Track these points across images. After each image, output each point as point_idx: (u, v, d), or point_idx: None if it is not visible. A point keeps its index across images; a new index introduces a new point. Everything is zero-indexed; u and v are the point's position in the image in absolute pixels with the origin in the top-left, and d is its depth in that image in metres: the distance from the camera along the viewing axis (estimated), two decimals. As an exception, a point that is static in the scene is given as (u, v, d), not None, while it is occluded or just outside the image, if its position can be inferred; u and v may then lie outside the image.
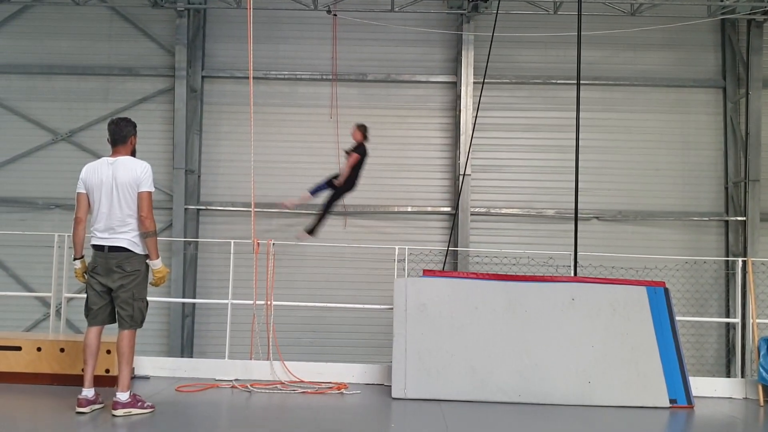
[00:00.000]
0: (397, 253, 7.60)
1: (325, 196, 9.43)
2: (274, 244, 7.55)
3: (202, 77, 12.81)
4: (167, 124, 12.68)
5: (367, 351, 10.12)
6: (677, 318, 7.54)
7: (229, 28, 12.68)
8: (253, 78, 12.08)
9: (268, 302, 7.25)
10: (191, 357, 11.72)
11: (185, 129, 12.37)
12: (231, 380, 6.85)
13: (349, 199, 12.33)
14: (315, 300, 9.80)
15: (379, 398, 6.61)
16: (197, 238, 12.45)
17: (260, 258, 7.45)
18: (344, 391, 6.68)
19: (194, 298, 12.25)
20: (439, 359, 6.75)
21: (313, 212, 9.75)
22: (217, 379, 6.91)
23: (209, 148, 12.82)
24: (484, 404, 6.49)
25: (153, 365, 7.11)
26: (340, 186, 9.28)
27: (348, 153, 9.43)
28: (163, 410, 5.68)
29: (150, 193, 5.46)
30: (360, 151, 9.35)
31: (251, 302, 7.43)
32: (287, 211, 12.07)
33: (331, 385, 6.81)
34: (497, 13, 9.61)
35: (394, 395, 6.56)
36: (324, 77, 12.75)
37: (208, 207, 12.63)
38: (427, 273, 7.48)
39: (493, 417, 6.15)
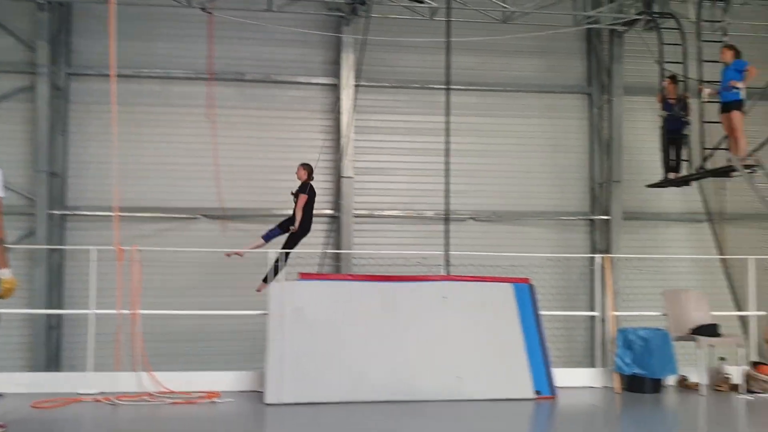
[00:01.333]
0: (271, 257, 7.50)
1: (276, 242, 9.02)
2: (140, 250, 7.25)
3: (67, 74, 12.08)
4: (28, 124, 11.84)
5: (247, 358, 9.89)
6: (545, 313, 7.94)
7: (97, 23, 12.00)
8: (124, 76, 11.64)
9: (134, 311, 6.94)
10: (59, 371, 11.04)
11: (48, 129, 11.60)
12: (95, 393, 6.52)
13: (229, 201, 12.20)
14: (191, 308, 9.49)
15: (253, 405, 6.51)
16: (63, 245, 11.75)
17: (127, 265, 7.13)
18: (216, 400, 6.52)
19: (61, 308, 11.55)
20: (315, 362, 6.73)
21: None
22: (79, 393, 6.56)
23: (76, 149, 12.11)
24: (359, 404, 6.54)
25: (8, 381, 6.66)
26: (296, 232, 8.96)
27: (295, 195, 9.18)
28: (17, 429, 5.31)
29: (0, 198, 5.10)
30: (307, 191, 9.17)
31: (115, 311, 7.09)
32: (161, 215, 11.68)
33: (202, 395, 6.62)
34: (369, 16, 9.69)
35: (268, 401, 6.48)
36: (199, 76, 12.37)
37: (75, 212, 11.94)
38: (304, 276, 7.46)
39: (367, 416, 6.21)
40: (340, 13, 12.36)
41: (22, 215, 11.55)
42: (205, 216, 12.20)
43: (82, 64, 12.14)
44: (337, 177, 12.53)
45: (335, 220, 12.54)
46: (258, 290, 8.63)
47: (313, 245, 11.95)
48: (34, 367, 11.10)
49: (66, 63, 12.06)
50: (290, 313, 6.89)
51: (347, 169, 12.39)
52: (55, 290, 11.65)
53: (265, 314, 6.99)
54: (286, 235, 9.02)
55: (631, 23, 12.43)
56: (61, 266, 11.84)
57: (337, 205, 12.50)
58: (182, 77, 12.39)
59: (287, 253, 8.67)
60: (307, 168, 9.37)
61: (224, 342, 11.07)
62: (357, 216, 12.57)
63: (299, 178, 9.36)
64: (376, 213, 12.78)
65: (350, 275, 8.38)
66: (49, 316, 11.35)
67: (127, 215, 10.66)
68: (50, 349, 11.51)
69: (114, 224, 11.41)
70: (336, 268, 12.00)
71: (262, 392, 6.67)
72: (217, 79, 12.37)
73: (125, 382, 6.74)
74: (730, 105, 9.81)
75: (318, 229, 12.58)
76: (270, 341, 6.77)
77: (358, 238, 12.51)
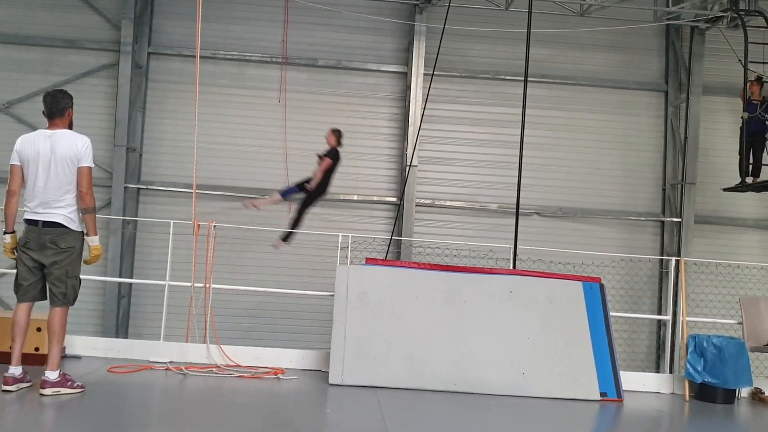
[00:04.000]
0: (340, 240, 7.58)
1: (296, 199, 9.32)
2: (215, 226, 7.43)
3: (149, 54, 12.48)
4: (110, 99, 12.32)
5: (308, 338, 10.06)
6: (615, 314, 7.78)
7: (178, 4, 12.37)
8: (201, 57, 11.79)
9: (207, 285, 7.13)
10: (126, 338, 11.46)
11: (128, 106, 12.04)
12: (166, 362, 6.73)
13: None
14: (257, 285, 9.68)
15: (316, 384, 6.59)
16: (137, 217, 12.15)
17: (201, 240, 7.33)
18: (281, 376, 6.63)
19: (131, 278, 11.97)
20: (377, 347, 6.77)
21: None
22: (151, 360, 6.77)
23: (152, 126, 12.51)
24: (420, 392, 6.55)
25: (85, 345, 6.92)
26: (312, 191, 9.10)
27: (321, 157, 9.28)
28: (94, 391, 5.53)
29: (90, 168, 5.29)
30: (333, 155, 9.21)
31: (189, 284, 7.30)
32: (230, 194, 11.93)
33: (267, 370, 6.76)
34: (449, 5, 9.64)
35: (331, 381, 6.56)
36: (274, 60, 12.58)
37: (149, 186, 12.34)
38: (370, 261, 7.50)
39: (429, 405, 6.22)
40: (414, 1, 12.34)
41: (101, 187, 12.00)
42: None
43: (162, 43, 12.50)
44: (402, 165, 12.56)
45: (398, 207, 12.58)
46: (275, 247, 9.11)
47: (375, 232, 12.07)
48: (104, 333, 11.56)
49: (148, 42, 12.43)
50: (355, 297, 6.94)
51: (412, 158, 12.39)
52: (126, 260, 12.08)
53: (331, 296, 7.06)
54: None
55: (714, 20, 12.04)
56: (134, 237, 12.26)
57: (400, 193, 12.53)
58: (257, 60, 12.63)
59: (302, 212, 9.04)
60: (337, 133, 9.38)
61: (290, 321, 11.30)
62: (419, 205, 12.57)
63: (328, 143, 9.36)
64: (438, 203, 12.76)
65: (415, 263, 8.37)
66: (120, 285, 11.77)
67: (198, 192, 10.93)
68: (119, 316, 11.95)
69: (186, 200, 11.86)
70: (397, 256, 12.05)
71: (325, 372, 6.75)
72: (291, 63, 12.57)
73: (195, 353, 6.92)
74: None
75: (382, 216, 12.69)
76: (335, 323, 6.84)
77: (419, 227, 12.53)
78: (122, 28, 12.06)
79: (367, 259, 7.49)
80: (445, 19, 9.38)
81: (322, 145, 12.59)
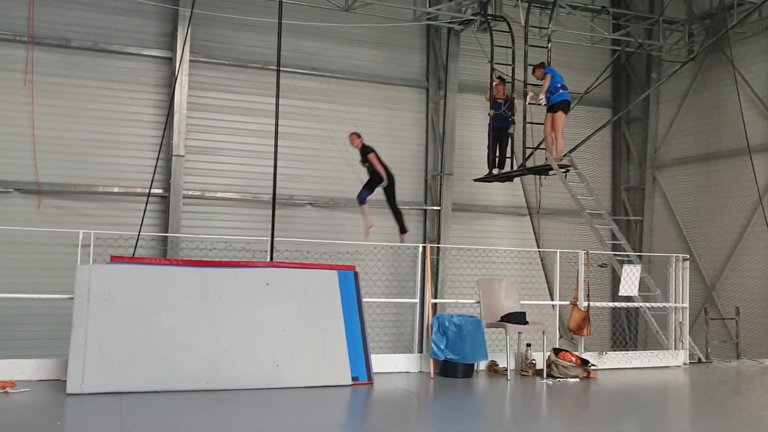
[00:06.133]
0: (81, 237, 7.04)
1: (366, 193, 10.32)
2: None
3: None
4: None
5: (52, 344, 9.24)
6: (371, 300, 8.10)
7: None
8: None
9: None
10: None
11: None
12: None
13: (46, 176, 11.32)
14: (-2, 289, 8.72)
15: (52, 395, 6.10)
16: None
17: None
18: (9, 390, 6.04)
19: None
20: (123, 350, 6.42)
21: None
22: None
23: None
24: (170, 394, 6.32)
25: None
26: (386, 183, 10.14)
27: (364, 160, 10.25)
28: None
29: None
30: (370, 149, 10.21)
31: None
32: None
33: (-6, 384, 6.11)
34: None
35: (69, 391, 6.10)
36: (18, 38, 11.36)
37: None
38: (115, 260, 7.05)
39: (177, 406, 6.03)
40: (177, -16, 11.84)
41: None
42: (18, 191, 11.26)
43: None
44: (168, 155, 12.02)
45: (164, 200, 12.04)
46: (402, 241, 10.57)
47: (131, 226, 11.43)
48: None
49: None
50: (98, 298, 6.51)
51: (179, 147, 11.92)
52: None
53: (70, 298, 6.55)
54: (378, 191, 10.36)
55: (467, 23, 12.94)
56: None
57: (166, 184, 12.00)
58: (-2, 38, 11.32)
59: (394, 200, 10.34)
60: (356, 134, 10.45)
61: (28, 327, 10.29)
62: (187, 197, 12.14)
63: (356, 146, 10.38)
64: (208, 194, 12.43)
65: (165, 260, 8.07)
66: None
67: None
68: None
69: None
70: (163, 252, 11.54)
71: (64, 381, 6.26)
72: (38, 43, 11.47)
73: None
74: (557, 106, 10.53)
75: (140, 209, 12.03)
76: (74, 327, 6.36)
77: (188, 220, 12.11)
78: None
79: (112, 257, 7.04)
80: (193, 4, 9.02)
81: (77, 133, 11.77)
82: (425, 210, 13.78)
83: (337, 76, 13.34)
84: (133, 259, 7.25)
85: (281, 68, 12.47)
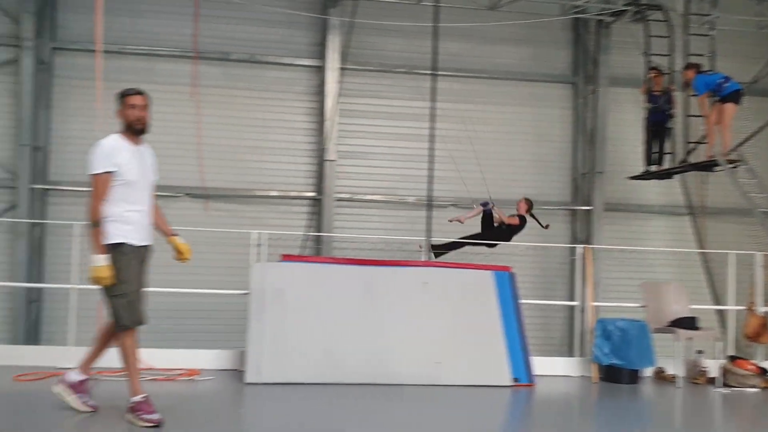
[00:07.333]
0: (255, 237, 7.50)
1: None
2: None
3: (52, 49, 11.95)
4: (13, 97, 11.73)
5: (226, 337, 9.89)
6: (525, 301, 8.01)
7: (82, -3, 11.90)
8: (109, 52, 11.48)
9: (116, 287, 6.91)
10: (38, 344, 11.01)
11: (32, 103, 11.52)
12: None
13: (211, 181, 12.14)
14: (173, 285, 9.45)
15: (232, 384, 6.53)
16: (44, 219, 11.65)
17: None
18: (196, 378, 6.54)
19: (41, 282, 11.49)
20: (294, 343, 6.77)
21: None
22: (60, 367, 6.53)
23: (59, 124, 12.00)
24: (338, 386, 6.58)
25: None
26: (498, 228, 9.97)
27: (511, 218, 10.04)
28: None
29: (92, 176, 4.85)
30: (521, 220, 10.05)
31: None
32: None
33: (182, 372, 6.64)
34: (360, -1, 9.61)
35: (247, 380, 6.51)
36: (184, 54, 12.28)
37: (57, 187, 11.84)
38: (286, 258, 7.47)
39: (346, 398, 6.26)
40: (327, -5, 12.30)
41: (5, 189, 11.50)
42: (188, 195, 12.15)
43: (67, 38, 12.01)
44: (320, 160, 12.52)
45: (317, 203, 12.54)
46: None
47: (295, 227, 11.99)
48: (13, 340, 11.07)
49: (51, 37, 11.93)
50: (272, 294, 6.91)
51: (330, 153, 12.37)
52: (35, 264, 11.62)
53: (246, 294, 7.00)
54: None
55: (618, 14, 12.47)
56: (42, 240, 11.79)
57: (318, 188, 12.50)
58: (167, 55, 12.31)
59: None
60: (528, 203, 10.30)
61: (207, 321, 11.09)
62: (338, 200, 12.58)
63: (519, 210, 10.22)
64: (358, 197, 12.80)
65: (331, 258, 8.41)
66: (29, 289, 11.33)
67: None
68: (30, 322, 11.47)
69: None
70: (317, 251, 12.03)
71: (242, 371, 6.69)
72: (202, 57, 12.29)
73: (105, 357, 6.70)
74: (728, 97, 9.83)
75: (300, 211, 12.62)
76: (250, 321, 6.79)
77: (339, 221, 12.55)
78: (23, 22, 11.50)
79: (283, 255, 7.46)
80: (354, 13, 9.36)
81: (236, 141, 12.52)
82: (573, 210, 13.41)
83: (481, 75, 13.28)
84: (302, 258, 7.63)
85: (424, 71, 12.78)
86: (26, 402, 5.58)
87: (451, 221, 10.37)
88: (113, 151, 4.87)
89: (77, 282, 7.23)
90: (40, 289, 11.57)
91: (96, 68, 6.95)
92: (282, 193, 12.54)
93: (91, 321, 7.25)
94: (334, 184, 12.48)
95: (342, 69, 12.41)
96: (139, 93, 5.08)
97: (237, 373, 6.79)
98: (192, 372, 6.63)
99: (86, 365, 5.18)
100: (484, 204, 10.18)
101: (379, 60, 12.94)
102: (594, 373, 7.53)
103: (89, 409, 5.14)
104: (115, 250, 4.83)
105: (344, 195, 12.69)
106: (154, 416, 4.93)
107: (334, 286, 7.08)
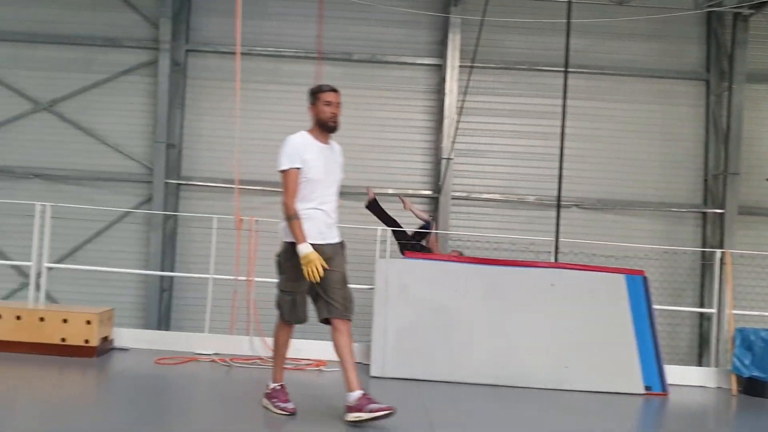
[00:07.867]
0: (378, 234, 7.60)
1: None
2: (257, 221, 7.51)
3: (186, 51, 12.63)
4: (149, 97, 12.51)
5: (354, 330, 10.04)
6: (658, 307, 7.66)
7: (214, 1, 12.50)
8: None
9: (250, 278, 7.22)
10: (167, 330, 11.67)
11: (167, 102, 12.22)
12: (211, 354, 6.83)
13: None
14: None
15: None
16: (177, 212, 12.34)
17: (243, 234, 7.41)
18: (323, 368, 6.69)
19: (172, 272, 12.17)
20: (418, 340, 6.79)
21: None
22: (196, 352, 6.89)
23: (191, 123, 12.67)
24: (461, 385, 6.54)
25: (132, 337, 7.08)
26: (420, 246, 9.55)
27: (427, 248, 9.63)
28: (143, 382, 5.66)
29: (281, 172, 4.82)
30: (421, 249, 9.49)
31: (232, 278, 7.39)
32: (267, 189, 12.02)
33: (309, 362, 6.82)
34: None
35: (372, 374, 6.59)
36: (308, 55, 12.63)
37: (189, 182, 12.51)
38: (409, 255, 7.51)
39: (471, 398, 6.21)
40: (449, -7, 12.28)
41: (142, 183, 12.24)
42: (306, 191, 12.45)
43: (199, 41, 12.65)
44: (437, 158, 12.52)
45: (433, 201, 12.55)
46: None
47: (415, 225, 12.02)
48: (146, 325, 11.78)
49: (185, 39, 12.58)
50: (395, 290, 6.96)
51: (448, 151, 12.34)
52: (168, 254, 12.29)
53: (371, 289, 7.09)
54: None
55: (758, 6, 11.71)
56: (174, 232, 12.46)
57: (435, 186, 12.50)
58: (291, 56, 12.69)
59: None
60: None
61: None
62: (455, 198, 12.53)
63: (433, 248, 9.80)
64: (474, 195, 12.70)
65: (454, 257, 8.36)
66: (162, 278, 12.00)
67: (238, 188, 11.08)
68: (161, 310, 12.17)
69: (224, 195, 12.00)
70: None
71: (366, 364, 6.79)
72: (325, 58, 12.59)
73: (239, 345, 7.02)
74: None
75: (418, 209, 12.64)
76: (376, 315, 6.88)
77: (454, 220, 12.49)
78: (160, 26, 12.23)
79: (406, 252, 7.50)
80: (484, 11, 9.26)
81: (355, 139, 12.73)
82: (704, 213, 12.71)
83: (606, 72, 12.85)
84: (424, 255, 7.65)
85: (546, 68, 12.51)
86: (166, 384, 5.90)
87: (399, 198, 10.60)
88: (300, 148, 4.82)
89: (214, 272, 7.57)
90: (171, 279, 12.25)
91: (236, 69, 7.24)
92: (399, 191, 12.61)
93: (222, 310, 7.62)
94: (451, 182, 12.44)
95: (462, 67, 12.35)
96: (333, 90, 4.94)
97: (363, 367, 6.88)
98: (319, 363, 6.79)
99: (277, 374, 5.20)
100: (429, 220, 10.17)
101: (500, 57, 12.78)
102: (733, 384, 7.09)
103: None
104: (292, 247, 4.79)
105: (461, 193, 12.62)
106: (289, 405, 5.06)
107: (457, 284, 7.04)
